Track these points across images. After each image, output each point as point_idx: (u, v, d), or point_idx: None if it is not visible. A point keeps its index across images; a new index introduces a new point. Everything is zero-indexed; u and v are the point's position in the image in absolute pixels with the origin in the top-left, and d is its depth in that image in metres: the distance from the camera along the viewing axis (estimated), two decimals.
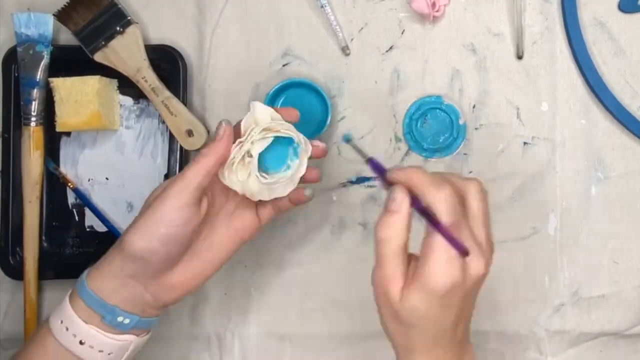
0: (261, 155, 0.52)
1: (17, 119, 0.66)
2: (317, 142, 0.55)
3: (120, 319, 0.50)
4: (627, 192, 0.65)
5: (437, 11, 0.65)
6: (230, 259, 0.55)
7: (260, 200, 0.54)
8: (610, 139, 0.65)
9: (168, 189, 0.50)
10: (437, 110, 0.66)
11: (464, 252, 0.43)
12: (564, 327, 0.66)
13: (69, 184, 0.69)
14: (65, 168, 0.69)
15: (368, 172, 0.67)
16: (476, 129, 0.66)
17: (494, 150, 0.66)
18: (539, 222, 0.66)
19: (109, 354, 0.51)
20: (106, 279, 0.50)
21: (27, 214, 0.66)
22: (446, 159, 0.66)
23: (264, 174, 0.53)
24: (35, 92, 0.65)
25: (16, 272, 0.67)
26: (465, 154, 0.66)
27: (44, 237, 0.68)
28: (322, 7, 0.66)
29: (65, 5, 0.65)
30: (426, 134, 0.66)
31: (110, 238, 0.68)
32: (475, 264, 0.44)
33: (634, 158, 0.65)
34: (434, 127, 0.66)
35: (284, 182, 0.53)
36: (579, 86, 0.65)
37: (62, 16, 0.65)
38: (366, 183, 0.67)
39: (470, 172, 0.66)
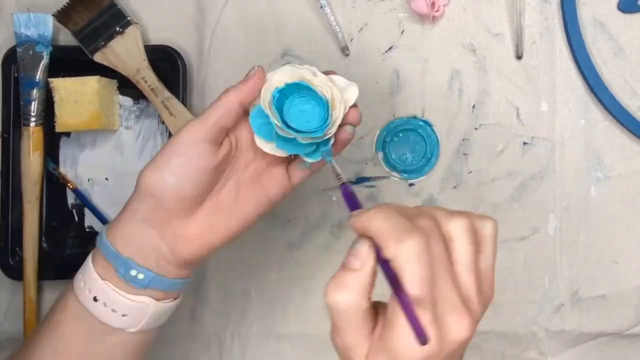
0: (290, 114, 0.47)
1: (17, 119, 0.66)
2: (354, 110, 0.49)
3: (133, 272, 0.47)
4: (627, 192, 0.65)
5: (436, 11, 0.65)
6: (253, 222, 0.50)
7: (294, 157, 0.51)
8: (610, 139, 0.65)
9: (186, 124, 0.48)
10: (412, 132, 0.66)
11: (422, 340, 0.34)
12: (564, 327, 0.66)
13: (69, 185, 0.69)
14: (65, 168, 0.69)
15: (368, 172, 0.67)
16: (476, 129, 0.66)
17: (494, 150, 0.66)
18: (539, 222, 0.66)
19: (123, 315, 0.47)
20: (122, 227, 0.47)
21: (26, 214, 0.66)
22: (421, 179, 0.67)
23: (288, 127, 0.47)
24: (35, 92, 0.65)
25: (16, 272, 0.67)
26: (465, 154, 0.66)
27: (43, 238, 0.68)
28: (322, 7, 0.66)
29: (65, 5, 0.65)
30: (396, 154, 0.66)
31: None
32: (456, 327, 0.36)
33: (634, 158, 0.65)
34: (405, 148, 0.66)
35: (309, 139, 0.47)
36: (578, 86, 0.66)
37: (61, 16, 0.65)
38: (366, 183, 0.67)
39: (470, 172, 0.66)
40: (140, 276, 0.47)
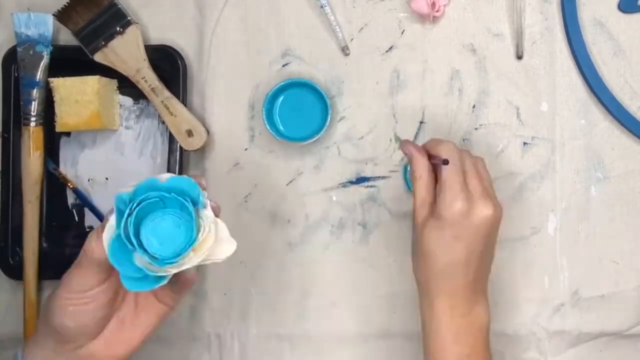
0: (147, 229, 0.44)
1: (17, 119, 0.66)
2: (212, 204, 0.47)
3: None
4: (627, 192, 0.65)
5: (437, 11, 0.65)
6: (156, 328, 0.52)
7: None
8: (610, 139, 0.65)
9: (72, 268, 0.48)
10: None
11: (443, 161, 0.51)
12: (564, 327, 0.66)
13: (69, 184, 0.69)
14: (65, 168, 0.69)
15: (368, 172, 0.67)
16: (476, 129, 0.66)
17: (494, 150, 0.66)
18: (539, 222, 0.66)
19: None
20: (34, 355, 0.49)
21: (27, 214, 0.66)
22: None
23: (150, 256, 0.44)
24: (35, 92, 0.65)
25: (16, 272, 0.67)
26: None
27: (43, 237, 0.68)
28: (322, 7, 0.66)
29: (65, 5, 0.65)
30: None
31: None
32: (480, 202, 0.50)
33: (633, 158, 0.65)
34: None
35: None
36: (578, 86, 0.66)
37: (62, 16, 0.65)
38: (366, 183, 0.67)
39: None
40: None
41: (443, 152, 0.52)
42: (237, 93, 0.68)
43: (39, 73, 0.65)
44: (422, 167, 0.53)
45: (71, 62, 0.67)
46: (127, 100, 0.69)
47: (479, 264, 0.52)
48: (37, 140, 0.66)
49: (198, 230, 0.44)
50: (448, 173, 0.51)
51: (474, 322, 0.53)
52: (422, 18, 0.66)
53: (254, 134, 0.68)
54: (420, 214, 0.53)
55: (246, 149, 0.68)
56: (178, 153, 0.66)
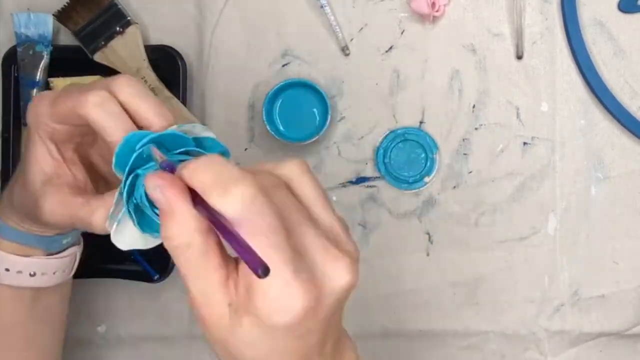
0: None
1: (17, 119, 0.66)
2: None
3: (65, 241, 0.49)
4: (627, 192, 0.65)
5: (437, 11, 0.65)
6: None
7: None
8: (610, 139, 0.65)
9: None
10: (411, 142, 0.66)
11: (262, 269, 0.27)
12: (564, 327, 0.66)
13: None
14: None
15: (368, 172, 0.67)
16: (476, 129, 0.66)
17: (494, 150, 0.66)
18: (539, 222, 0.66)
19: (63, 271, 0.50)
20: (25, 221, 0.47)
21: None
22: (420, 191, 0.66)
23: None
24: (35, 92, 0.65)
25: None
26: (465, 154, 0.66)
27: None
28: (322, 7, 0.66)
29: (65, 5, 0.65)
30: (396, 165, 0.66)
31: (109, 238, 0.68)
32: (334, 273, 0.30)
33: (634, 158, 0.65)
34: (404, 158, 0.66)
35: None
36: (578, 86, 0.66)
37: (62, 16, 0.65)
38: (366, 183, 0.67)
39: (470, 172, 0.66)
40: (69, 239, 0.50)
41: (230, 204, 0.29)
42: (237, 93, 0.68)
43: (39, 73, 0.65)
44: (185, 229, 0.31)
45: (71, 62, 0.67)
46: None
47: (336, 331, 0.34)
48: None
49: None
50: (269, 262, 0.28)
51: None
52: (422, 18, 0.66)
53: (254, 134, 0.68)
54: (212, 305, 0.33)
55: (246, 149, 0.68)
56: None
